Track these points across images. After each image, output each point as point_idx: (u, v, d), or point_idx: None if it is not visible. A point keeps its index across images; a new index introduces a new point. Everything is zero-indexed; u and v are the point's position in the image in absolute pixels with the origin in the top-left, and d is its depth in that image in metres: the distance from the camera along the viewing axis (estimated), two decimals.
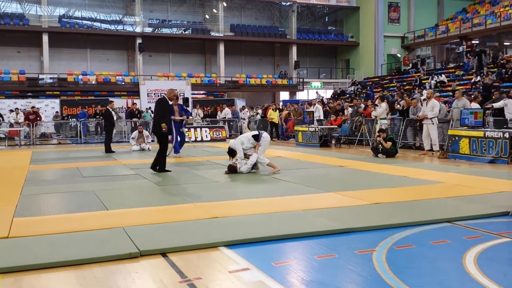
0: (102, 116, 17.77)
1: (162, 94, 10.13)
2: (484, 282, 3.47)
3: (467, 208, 5.87)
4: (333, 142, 17.38)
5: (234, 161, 9.62)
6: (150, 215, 5.71)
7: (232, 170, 9.42)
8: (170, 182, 8.53)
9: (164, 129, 9.46)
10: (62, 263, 3.95)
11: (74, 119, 24.28)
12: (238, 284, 3.52)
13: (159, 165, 9.79)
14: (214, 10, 37.12)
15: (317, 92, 36.09)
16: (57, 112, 26.51)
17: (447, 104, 15.92)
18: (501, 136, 10.83)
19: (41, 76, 31.40)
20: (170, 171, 9.80)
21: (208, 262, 4.05)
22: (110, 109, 15.79)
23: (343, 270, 3.82)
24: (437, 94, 20.26)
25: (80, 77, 32.30)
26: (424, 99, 14.42)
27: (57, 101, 28.02)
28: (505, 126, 11.81)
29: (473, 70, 26.49)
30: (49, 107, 27.38)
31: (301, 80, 37.87)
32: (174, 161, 12.02)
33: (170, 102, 10.21)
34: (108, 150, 15.17)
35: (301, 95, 37.70)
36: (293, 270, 3.82)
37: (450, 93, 22.66)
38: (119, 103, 28.25)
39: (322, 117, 18.98)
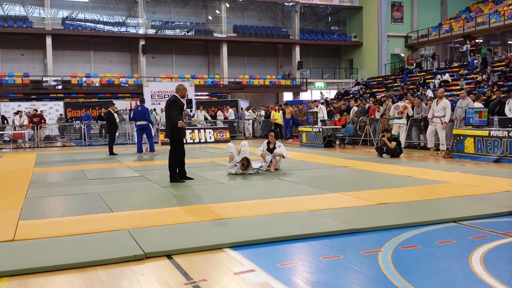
0: (106, 118, 17.74)
1: (172, 95, 9.07)
2: (491, 282, 3.45)
3: (473, 207, 5.84)
4: (337, 142, 17.36)
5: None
6: (154, 217, 5.71)
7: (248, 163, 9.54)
8: (174, 183, 8.50)
9: (180, 125, 8.28)
10: (67, 266, 3.95)
11: (78, 121, 24.35)
12: (243, 285, 3.51)
13: (173, 170, 8.74)
14: (217, 11, 37.15)
15: (321, 93, 36.05)
16: (61, 114, 26.58)
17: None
18: (506, 135, 10.79)
19: (45, 79, 31.45)
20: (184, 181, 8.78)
21: (213, 264, 4.04)
22: (112, 111, 15.83)
23: (348, 271, 3.80)
24: (447, 93, 20.24)
25: (84, 79, 32.38)
26: (430, 98, 14.37)
27: (61, 103, 28.10)
28: (510, 125, 11.75)
29: (478, 69, 26.43)
30: (53, 110, 27.47)
31: (304, 80, 37.83)
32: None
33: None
34: (111, 152, 15.21)
35: (304, 96, 37.65)
36: (298, 271, 3.81)
37: (455, 92, 22.61)
38: (122, 105, 28.34)
39: (325, 118, 18.94)
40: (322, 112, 19.02)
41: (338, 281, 3.58)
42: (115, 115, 16.33)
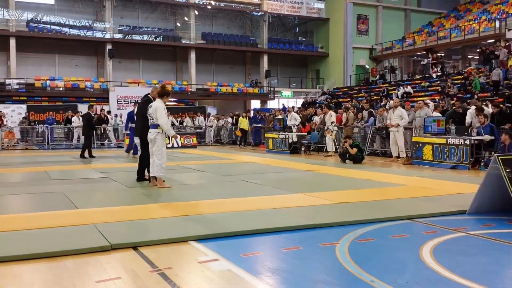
0: (83, 120, 17.12)
1: (147, 95, 9.10)
2: (438, 270, 3.71)
3: (427, 206, 6.16)
4: (303, 149, 17.68)
5: None
6: (121, 214, 5.78)
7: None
8: (141, 184, 8.56)
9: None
10: (34, 255, 4.01)
11: (41, 125, 23.93)
12: (207, 273, 3.67)
13: (141, 173, 8.76)
14: (186, 18, 37.19)
15: (283, 104, 36.27)
16: (24, 117, 26.03)
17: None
18: (463, 143, 11.30)
19: (7, 81, 30.73)
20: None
21: (179, 254, 4.18)
22: (91, 113, 15.67)
23: (307, 260, 4.01)
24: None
25: (48, 82, 31.78)
26: (390, 107, 14.90)
27: (24, 106, 27.52)
28: (466, 134, 12.31)
29: (438, 82, 27.36)
30: (15, 113, 26.89)
31: (272, 89, 38.25)
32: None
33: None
34: (83, 155, 15.04)
35: (272, 104, 38.01)
36: (260, 260, 3.99)
37: (416, 104, 23.30)
38: (87, 109, 27.92)
39: (297, 124, 18.84)
40: (295, 119, 18.93)
41: (297, 268, 3.79)
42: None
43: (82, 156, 14.96)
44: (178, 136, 21.59)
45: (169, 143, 21.00)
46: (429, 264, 3.85)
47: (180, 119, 27.08)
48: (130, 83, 33.44)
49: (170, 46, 36.72)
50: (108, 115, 24.33)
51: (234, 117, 24.24)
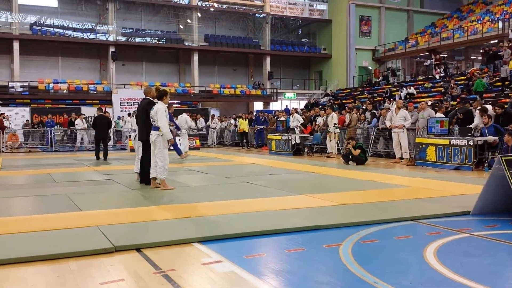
0: (94, 122, 16.93)
1: (146, 98, 9.03)
2: (442, 271, 3.70)
3: (431, 208, 6.15)
4: (306, 150, 17.66)
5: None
6: (124, 216, 5.79)
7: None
8: (144, 186, 8.57)
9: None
10: (37, 258, 4.02)
11: (45, 128, 24.00)
12: (210, 274, 3.67)
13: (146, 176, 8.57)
14: (188, 20, 37.25)
15: (286, 106, 36.35)
16: (27, 120, 26.13)
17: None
18: (466, 144, 11.27)
19: (11, 84, 30.86)
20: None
21: (182, 256, 4.18)
22: (102, 114, 15.60)
23: (311, 261, 4.00)
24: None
25: (51, 85, 31.89)
26: (388, 109, 14.91)
27: (28, 109, 27.63)
28: (469, 134, 12.26)
29: (441, 83, 27.31)
30: (19, 115, 27.00)
31: (274, 90, 38.26)
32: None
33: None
34: (105, 156, 15.03)
35: (275, 106, 38.03)
36: (264, 262, 3.99)
37: (419, 105, 23.28)
38: (91, 112, 28.03)
39: (299, 125, 18.87)
40: (297, 120, 18.94)
41: (300, 270, 3.78)
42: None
43: (97, 157, 14.95)
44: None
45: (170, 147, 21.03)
46: (433, 265, 3.84)
47: None
48: (133, 85, 33.51)
49: (173, 48, 36.80)
50: (128, 117, 24.40)
51: (237, 119, 24.25)
